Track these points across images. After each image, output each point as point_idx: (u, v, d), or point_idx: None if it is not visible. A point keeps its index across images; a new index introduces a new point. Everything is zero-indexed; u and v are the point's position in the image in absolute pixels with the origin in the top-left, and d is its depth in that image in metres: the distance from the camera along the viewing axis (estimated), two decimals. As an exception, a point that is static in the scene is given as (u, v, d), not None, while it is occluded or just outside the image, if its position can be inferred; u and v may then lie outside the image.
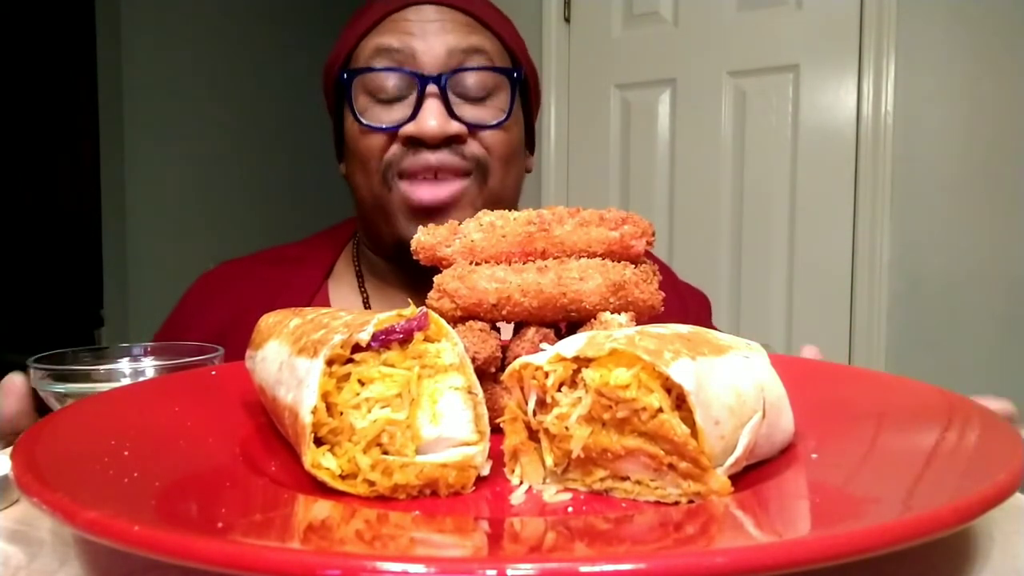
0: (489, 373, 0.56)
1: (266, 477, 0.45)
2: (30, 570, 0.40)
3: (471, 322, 0.57)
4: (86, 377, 0.68)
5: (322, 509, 0.40)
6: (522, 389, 0.47)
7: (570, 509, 0.43)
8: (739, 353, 0.47)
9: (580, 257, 0.58)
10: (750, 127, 2.49)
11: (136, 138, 3.44)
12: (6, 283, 3.24)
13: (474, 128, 0.97)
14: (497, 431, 0.48)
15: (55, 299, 3.38)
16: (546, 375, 0.45)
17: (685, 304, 1.17)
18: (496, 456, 0.48)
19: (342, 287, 1.12)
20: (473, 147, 0.97)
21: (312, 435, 0.43)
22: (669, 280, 0.96)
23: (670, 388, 0.42)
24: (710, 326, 1.02)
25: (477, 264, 0.58)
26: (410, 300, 0.52)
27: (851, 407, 0.55)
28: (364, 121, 0.97)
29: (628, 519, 0.40)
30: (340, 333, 0.44)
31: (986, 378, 2.18)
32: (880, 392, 0.59)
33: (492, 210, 0.62)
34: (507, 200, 1.03)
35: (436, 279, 0.58)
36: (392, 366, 0.45)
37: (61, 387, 0.67)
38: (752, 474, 0.45)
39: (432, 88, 0.94)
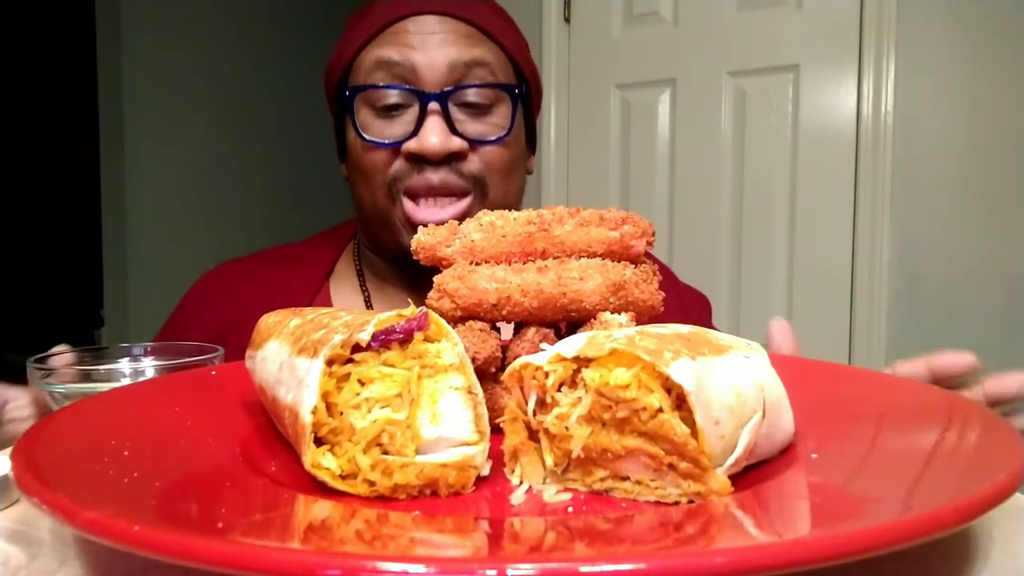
0: (489, 373, 0.56)
1: (266, 477, 0.45)
2: (30, 570, 0.40)
3: (471, 322, 0.57)
4: (86, 377, 0.68)
5: (322, 509, 0.40)
6: (522, 389, 0.47)
7: (570, 509, 0.43)
8: (739, 353, 0.47)
9: (580, 257, 0.58)
10: (750, 127, 2.49)
11: (136, 138, 3.45)
12: (6, 283, 3.24)
13: (475, 144, 0.97)
14: (497, 431, 0.48)
15: (55, 299, 3.38)
16: (546, 375, 0.45)
17: (685, 304, 1.17)
18: (496, 456, 0.48)
19: (343, 287, 1.12)
20: (472, 164, 0.98)
21: (312, 435, 0.43)
22: (669, 280, 0.96)
23: (670, 388, 0.42)
24: (710, 327, 1.01)
25: (477, 264, 0.58)
26: (410, 300, 0.52)
27: (851, 407, 0.55)
28: (367, 137, 0.98)
29: (628, 519, 0.39)
30: (340, 333, 0.44)
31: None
32: (880, 392, 0.59)
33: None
34: (509, 207, 1.03)
35: (436, 279, 0.58)
36: (392, 366, 0.45)
37: (61, 387, 0.67)
38: (752, 474, 0.45)
39: (434, 105, 0.95)
